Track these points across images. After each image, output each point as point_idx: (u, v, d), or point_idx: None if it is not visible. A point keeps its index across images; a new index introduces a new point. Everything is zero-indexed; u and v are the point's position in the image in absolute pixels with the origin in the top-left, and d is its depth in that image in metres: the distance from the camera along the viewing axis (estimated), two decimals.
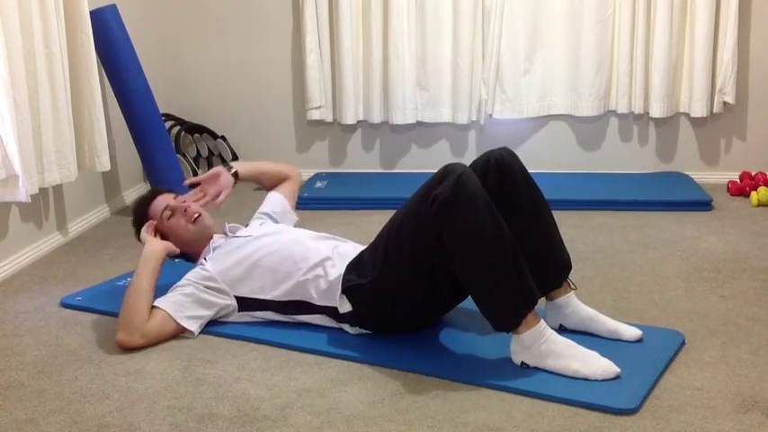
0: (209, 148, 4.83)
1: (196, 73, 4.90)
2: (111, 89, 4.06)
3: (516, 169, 2.53)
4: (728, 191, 4.34)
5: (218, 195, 2.95)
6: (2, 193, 3.21)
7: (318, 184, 4.49)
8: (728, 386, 2.28)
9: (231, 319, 2.72)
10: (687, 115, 4.59)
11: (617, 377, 2.27)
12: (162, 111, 4.32)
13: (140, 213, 2.93)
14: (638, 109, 4.55)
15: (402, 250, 2.46)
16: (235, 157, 4.83)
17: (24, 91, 3.22)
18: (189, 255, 2.90)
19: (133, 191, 4.48)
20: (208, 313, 2.68)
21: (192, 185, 3.00)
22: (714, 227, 3.79)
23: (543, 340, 2.32)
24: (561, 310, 2.58)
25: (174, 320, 2.62)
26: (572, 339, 2.37)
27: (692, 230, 3.73)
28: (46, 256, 3.56)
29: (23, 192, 3.21)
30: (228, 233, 2.88)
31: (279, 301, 2.67)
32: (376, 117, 4.70)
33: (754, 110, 4.56)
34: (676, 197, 4.20)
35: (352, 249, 2.70)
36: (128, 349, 2.56)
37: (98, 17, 3.81)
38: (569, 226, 3.45)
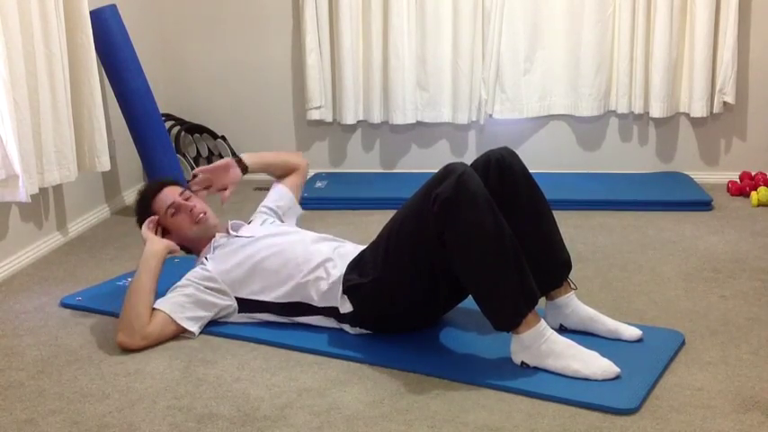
0: (209, 148, 4.83)
1: (196, 73, 4.90)
2: (111, 89, 4.06)
3: (517, 169, 2.53)
4: (728, 191, 4.34)
5: (224, 188, 2.93)
6: (2, 193, 3.21)
7: (318, 184, 4.49)
8: (728, 386, 2.28)
9: (231, 319, 2.72)
10: (687, 115, 4.59)
11: (617, 377, 2.27)
12: (162, 111, 4.32)
13: (144, 206, 2.88)
14: (638, 109, 4.55)
15: (403, 249, 2.46)
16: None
17: (24, 91, 3.22)
18: (189, 249, 2.89)
19: (133, 191, 4.48)
20: (208, 314, 2.68)
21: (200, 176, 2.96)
22: (714, 227, 3.79)
23: (543, 340, 2.32)
24: (561, 309, 2.58)
25: (175, 322, 2.61)
26: (572, 339, 2.37)
27: (692, 230, 3.73)
28: (46, 256, 3.56)
29: (23, 192, 3.21)
30: (231, 231, 2.86)
31: (279, 303, 2.67)
32: (376, 117, 4.70)
33: (754, 110, 4.56)
34: (676, 197, 4.20)
35: (353, 250, 2.70)
36: (128, 350, 2.56)
37: (98, 17, 3.81)
38: (569, 226, 3.45)
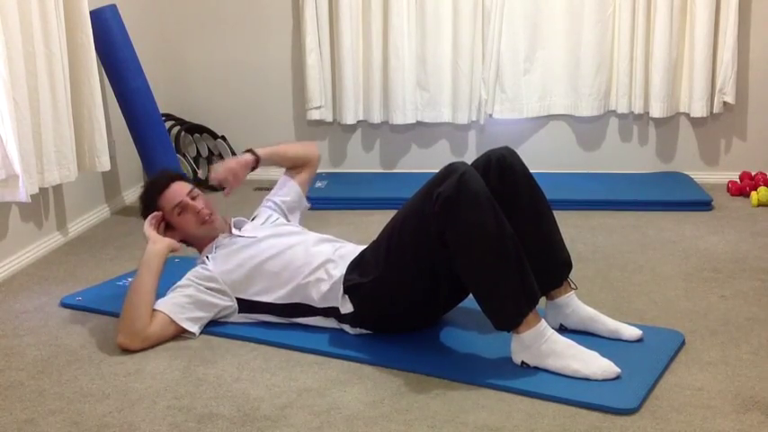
0: (209, 148, 4.83)
1: (196, 73, 4.90)
2: (111, 89, 4.06)
3: (518, 168, 2.53)
4: (728, 191, 4.34)
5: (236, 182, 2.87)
6: (2, 193, 3.21)
7: (318, 184, 4.49)
8: (728, 386, 2.28)
9: (231, 319, 2.72)
10: (687, 115, 4.59)
11: (617, 377, 2.27)
12: (162, 111, 4.32)
13: (150, 201, 2.83)
14: (638, 109, 4.55)
15: (404, 249, 2.46)
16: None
17: (24, 91, 3.22)
18: (190, 244, 2.88)
19: (133, 191, 4.48)
20: (208, 314, 2.68)
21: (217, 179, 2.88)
22: (714, 227, 3.79)
23: (544, 340, 2.32)
24: (561, 309, 2.58)
25: (175, 323, 2.61)
26: (572, 339, 2.37)
27: (692, 230, 3.73)
28: (46, 256, 3.56)
29: (23, 192, 3.21)
30: (233, 229, 2.84)
31: (279, 304, 2.66)
32: (376, 117, 4.70)
33: (754, 110, 4.56)
34: (676, 197, 4.20)
35: (354, 250, 2.69)
36: (128, 351, 2.56)
37: (98, 17, 3.81)
38: (569, 226, 3.45)
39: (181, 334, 2.63)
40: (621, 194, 4.27)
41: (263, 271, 2.67)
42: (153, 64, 4.47)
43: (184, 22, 4.85)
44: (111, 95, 4.08)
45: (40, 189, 3.42)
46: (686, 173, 4.61)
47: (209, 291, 2.67)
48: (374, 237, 2.62)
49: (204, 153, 4.81)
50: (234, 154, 4.82)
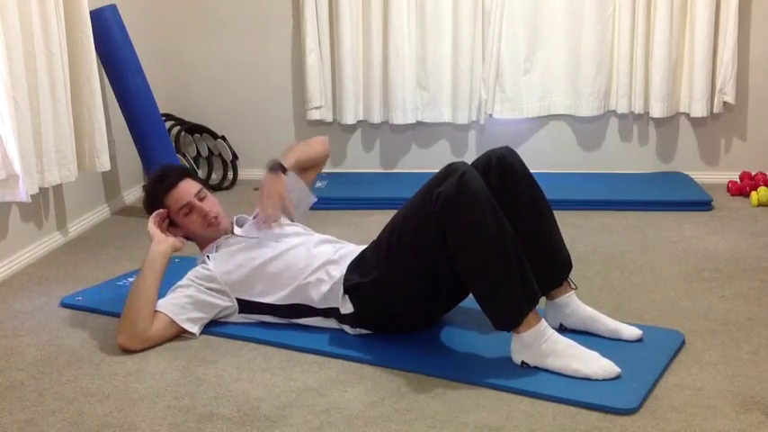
0: (209, 148, 4.83)
1: (196, 73, 4.90)
2: (111, 89, 4.06)
3: (518, 168, 2.53)
4: (728, 191, 4.34)
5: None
6: (2, 193, 3.21)
7: (318, 184, 4.49)
8: (728, 386, 2.28)
9: (231, 319, 2.72)
10: (687, 115, 4.59)
11: (617, 377, 2.27)
12: (162, 111, 4.32)
13: (157, 198, 2.78)
14: (638, 109, 4.55)
15: (404, 248, 2.46)
16: (235, 157, 4.83)
17: (24, 91, 3.22)
18: (192, 240, 2.85)
19: (133, 191, 4.49)
20: (209, 315, 2.68)
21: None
22: (714, 227, 3.79)
23: (544, 340, 2.32)
24: (561, 309, 2.58)
25: (176, 324, 2.61)
26: (572, 339, 2.37)
27: (692, 230, 3.73)
28: (46, 256, 3.56)
29: (23, 192, 3.21)
30: (236, 228, 2.82)
31: (279, 305, 2.66)
32: (376, 117, 4.70)
33: (754, 110, 4.56)
34: (676, 197, 4.20)
35: (354, 250, 2.69)
36: (128, 351, 2.56)
37: (98, 17, 3.81)
38: (569, 226, 3.45)
39: (181, 334, 2.63)
40: (621, 194, 4.27)
41: (264, 272, 2.66)
42: (153, 64, 4.47)
43: (184, 22, 4.85)
44: (111, 95, 4.08)
45: (40, 189, 3.42)
46: (686, 173, 4.61)
47: (209, 291, 2.67)
48: (374, 237, 2.63)
49: (204, 153, 4.81)
50: (234, 154, 4.82)
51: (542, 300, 2.43)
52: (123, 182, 4.40)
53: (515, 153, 2.56)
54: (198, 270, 2.71)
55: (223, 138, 4.83)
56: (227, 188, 4.75)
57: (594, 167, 4.70)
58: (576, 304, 2.57)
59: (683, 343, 2.54)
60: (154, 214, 2.75)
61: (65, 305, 2.98)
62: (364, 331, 2.61)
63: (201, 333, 2.66)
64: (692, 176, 4.54)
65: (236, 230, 2.81)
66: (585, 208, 4.07)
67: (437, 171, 2.42)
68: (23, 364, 2.52)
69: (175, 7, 4.83)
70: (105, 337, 2.68)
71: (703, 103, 4.46)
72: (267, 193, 2.72)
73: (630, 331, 2.52)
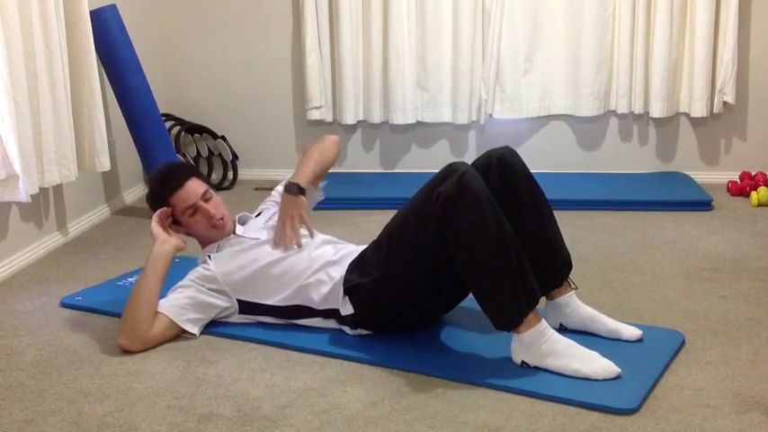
0: (209, 148, 4.83)
1: (196, 73, 4.90)
2: (111, 89, 4.06)
3: (518, 168, 2.53)
4: (728, 191, 4.34)
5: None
6: (2, 193, 3.21)
7: (319, 184, 4.49)
8: (728, 386, 2.28)
9: (231, 319, 2.72)
10: (687, 115, 4.59)
11: (617, 377, 2.27)
12: (162, 111, 4.31)
13: (162, 198, 2.74)
14: (638, 109, 4.55)
15: (405, 248, 2.46)
16: (235, 157, 4.83)
17: (24, 91, 3.22)
18: (194, 236, 2.83)
19: (133, 191, 4.49)
20: (209, 315, 2.68)
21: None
22: (714, 227, 3.79)
23: (544, 340, 2.32)
24: (561, 309, 2.58)
25: (177, 325, 2.61)
26: (572, 339, 2.37)
27: (692, 230, 3.73)
28: (46, 256, 3.56)
29: (23, 192, 3.21)
30: (237, 227, 2.81)
31: (280, 306, 2.66)
32: (376, 117, 4.70)
33: (754, 110, 4.56)
34: (676, 197, 4.20)
35: (354, 251, 2.68)
36: (128, 352, 2.56)
37: (98, 17, 3.81)
38: (569, 226, 3.45)
39: (181, 334, 2.63)
40: (621, 194, 4.26)
41: (265, 274, 2.66)
42: (153, 64, 4.47)
43: (184, 22, 4.84)
44: (111, 95, 4.07)
45: (40, 189, 3.42)
46: (686, 173, 4.61)
47: (210, 291, 2.67)
48: (374, 237, 2.62)
49: (204, 153, 4.81)
50: (234, 154, 4.82)
51: (542, 300, 2.43)
52: (123, 182, 4.40)
53: (515, 153, 2.56)
54: (199, 270, 2.71)
55: (223, 138, 4.82)
56: (227, 188, 4.75)
57: (594, 167, 4.70)
58: (576, 304, 2.57)
59: (683, 343, 2.54)
60: (158, 212, 2.73)
61: (65, 305, 2.98)
62: (364, 332, 2.60)
63: (201, 333, 2.66)
64: (692, 176, 4.54)
65: (239, 230, 2.80)
66: (585, 208, 4.07)
67: (437, 171, 2.42)
68: (23, 364, 2.52)
69: (175, 7, 4.82)
70: (105, 338, 2.68)
71: (703, 103, 4.46)
72: (288, 215, 2.70)
73: (630, 331, 2.52)
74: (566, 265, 2.57)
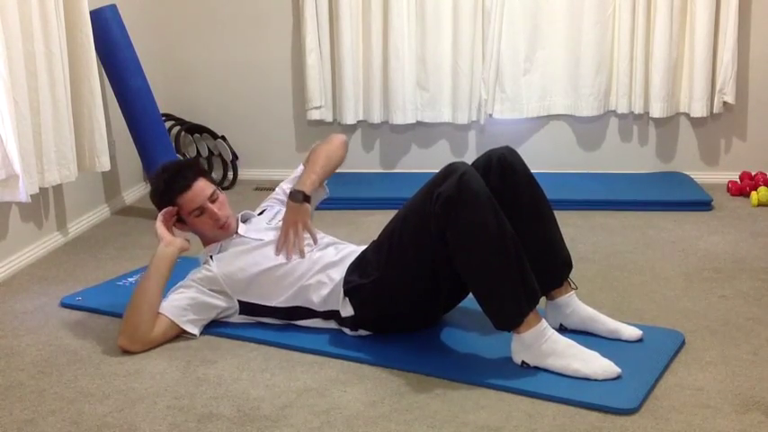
0: (209, 148, 4.83)
1: (196, 73, 4.90)
2: (111, 89, 4.06)
3: (518, 168, 2.53)
4: (728, 191, 4.34)
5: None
6: (2, 193, 3.20)
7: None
8: (728, 386, 2.28)
9: (231, 320, 2.72)
10: (687, 115, 4.59)
11: (618, 377, 2.27)
12: (162, 111, 4.31)
13: (169, 199, 2.71)
14: (638, 109, 4.55)
15: (405, 249, 2.46)
16: (235, 157, 4.83)
17: (24, 91, 3.22)
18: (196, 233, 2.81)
19: (133, 191, 4.49)
20: (209, 316, 2.68)
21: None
22: (714, 227, 3.79)
23: (544, 339, 2.32)
24: (562, 309, 2.58)
25: (177, 326, 2.61)
26: (572, 339, 2.37)
27: (692, 230, 3.73)
28: (46, 256, 3.56)
29: (23, 192, 3.21)
30: (240, 225, 2.79)
31: (280, 308, 2.66)
32: (376, 117, 4.70)
33: (754, 110, 4.56)
34: (676, 197, 4.20)
35: (355, 251, 2.68)
36: (129, 352, 2.56)
37: (98, 17, 3.81)
38: (569, 226, 3.45)
39: (182, 334, 2.63)
40: (621, 194, 4.26)
41: (266, 277, 2.65)
42: (153, 64, 4.46)
43: (184, 22, 4.84)
44: (111, 95, 4.07)
45: (40, 189, 3.42)
46: (686, 173, 4.61)
47: (211, 292, 2.66)
48: (374, 237, 2.63)
49: (204, 153, 4.81)
50: (234, 154, 4.82)
51: (542, 300, 2.43)
52: (123, 182, 4.40)
53: (516, 153, 2.56)
54: (200, 271, 2.70)
55: (223, 138, 4.82)
56: (228, 188, 4.75)
57: (594, 167, 4.70)
58: (576, 304, 2.57)
59: (683, 343, 2.54)
60: (163, 212, 2.71)
61: (65, 305, 2.98)
62: (364, 333, 2.60)
63: (201, 333, 2.66)
64: (692, 176, 4.54)
65: (241, 229, 2.78)
66: (585, 208, 4.07)
67: (437, 171, 2.42)
68: (23, 364, 2.52)
69: (175, 7, 4.82)
70: (105, 338, 2.68)
71: (703, 103, 4.46)
72: (292, 222, 2.69)
73: (630, 331, 2.52)
74: (566, 265, 2.57)
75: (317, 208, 2.95)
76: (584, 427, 2.09)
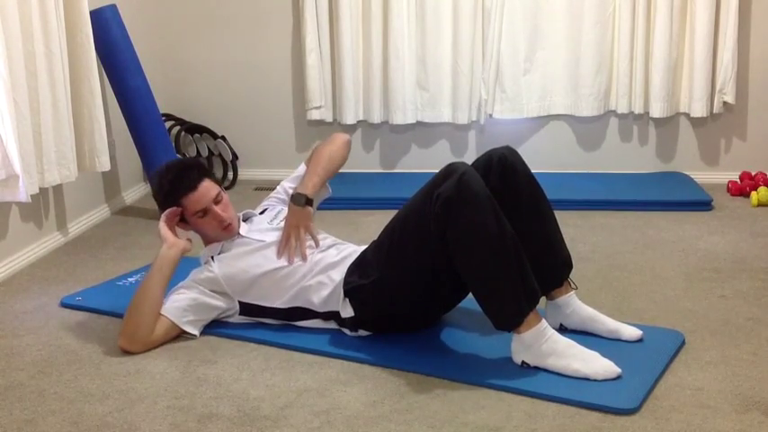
0: (209, 148, 4.83)
1: (196, 73, 4.90)
2: (111, 89, 4.06)
3: (519, 168, 2.53)
4: (728, 191, 4.34)
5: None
6: (2, 193, 3.21)
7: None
8: (728, 386, 2.28)
9: (231, 320, 2.72)
10: (687, 115, 4.59)
11: (618, 377, 2.27)
12: (162, 111, 4.31)
13: (174, 199, 2.69)
14: (638, 109, 4.55)
15: (405, 249, 2.46)
16: (235, 157, 4.83)
17: (24, 91, 3.22)
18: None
19: (133, 191, 4.49)
20: (210, 316, 2.68)
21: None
22: (714, 227, 3.79)
23: (545, 340, 2.32)
24: (562, 309, 2.58)
25: (178, 327, 2.61)
26: (572, 339, 2.37)
27: (692, 230, 3.73)
28: (46, 256, 3.56)
29: (23, 192, 3.21)
30: (241, 224, 2.78)
31: (281, 309, 2.66)
32: (376, 117, 4.70)
33: (754, 110, 4.56)
34: (676, 197, 4.20)
35: (355, 251, 2.68)
36: (129, 353, 2.56)
37: (98, 17, 3.81)
38: (569, 226, 3.45)
39: (182, 334, 2.63)
40: (621, 194, 4.26)
41: (268, 279, 2.65)
42: (153, 64, 4.46)
43: (184, 22, 4.84)
44: (111, 95, 4.07)
45: (40, 189, 3.42)
46: (686, 173, 4.61)
47: (211, 293, 2.66)
48: (374, 237, 2.63)
49: (204, 153, 4.81)
50: (234, 154, 4.82)
51: (542, 300, 2.43)
52: (123, 182, 4.40)
53: (516, 153, 2.56)
54: (201, 272, 2.70)
55: (223, 138, 4.82)
56: (228, 188, 4.74)
57: (594, 167, 4.70)
58: (576, 304, 2.57)
59: (683, 343, 2.54)
60: (167, 212, 2.69)
61: (65, 305, 2.98)
62: (364, 333, 2.60)
63: (202, 333, 2.66)
64: (692, 176, 4.54)
65: (243, 229, 2.77)
66: (585, 208, 4.07)
67: (437, 171, 2.42)
68: (23, 364, 2.52)
69: (175, 7, 4.82)
70: (105, 337, 2.68)
71: (703, 103, 4.46)
72: (294, 226, 2.68)
73: (630, 331, 2.52)
74: (566, 264, 2.57)
75: (319, 207, 2.95)
76: (584, 427, 2.09)
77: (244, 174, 4.86)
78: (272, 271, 2.65)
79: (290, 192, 2.86)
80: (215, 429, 2.13)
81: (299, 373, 2.42)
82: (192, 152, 4.75)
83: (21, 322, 2.86)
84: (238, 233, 2.76)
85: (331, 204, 4.17)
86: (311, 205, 2.72)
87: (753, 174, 4.39)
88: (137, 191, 4.52)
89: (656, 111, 4.50)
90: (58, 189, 3.72)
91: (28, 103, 3.25)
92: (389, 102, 4.64)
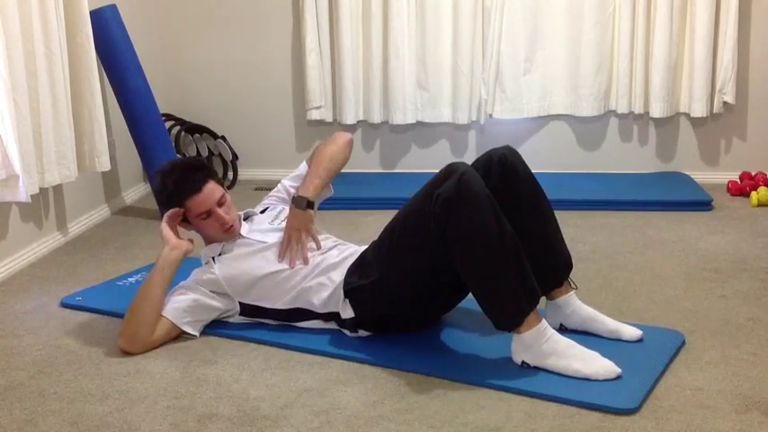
0: (209, 148, 4.83)
1: (196, 73, 4.90)
2: (111, 89, 4.06)
3: (519, 168, 2.53)
4: (728, 191, 4.34)
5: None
6: (2, 193, 3.21)
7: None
8: (728, 386, 2.28)
9: (232, 320, 2.72)
10: (687, 115, 4.59)
11: (618, 377, 2.27)
12: (162, 111, 4.31)
13: (178, 201, 2.67)
14: (638, 109, 4.55)
15: (405, 249, 2.46)
16: (235, 157, 4.83)
17: (24, 91, 3.22)
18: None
19: (133, 191, 4.49)
20: (210, 317, 2.68)
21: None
22: (714, 227, 3.79)
23: (545, 340, 2.32)
24: (562, 309, 2.58)
25: (178, 327, 2.61)
26: (572, 339, 2.37)
27: (692, 230, 3.73)
28: (46, 256, 3.56)
29: (23, 192, 3.21)
30: (243, 224, 2.77)
31: (281, 310, 2.66)
32: (376, 117, 4.70)
33: (754, 110, 4.56)
34: (676, 197, 4.20)
35: (356, 252, 2.68)
36: (129, 354, 2.56)
37: (98, 17, 3.81)
38: (569, 226, 3.45)
39: (182, 334, 2.63)
40: (621, 194, 4.26)
41: (269, 280, 2.65)
42: (153, 64, 4.47)
43: (184, 22, 4.84)
44: (111, 95, 4.07)
45: (40, 189, 3.42)
46: (686, 173, 4.61)
47: (212, 294, 2.66)
48: (374, 237, 2.62)
49: (204, 153, 4.81)
50: (234, 154, 4.82)
51: (542, 300, 2.43)
52: (123, 182, 4.40)
53: (517, 153, 2.56)
54: (202, 272, 2.69)
55: (223, 138, 4.82)
56: (228, 188, 4.73)
57: (594, 167, 4.70)
58: (576, 304, 2.57)
59: (683, 343, 2.54)
60: (169, 213, 2.68)
61: (65, 305, 2.98)
62: (364, 333, 2.60)
63: (202, 333, 2.66)
64: (692, 176, 4.54)
65: (244, 229, 2.76)
66: (585, 208, 4.07)
67: (437, 171, 2.42)
68: (23, 364, 2.52)
69: (175, 7, 4.82)
70: (105, 338, 2.68)
71: (703, 103, 4.46)
72: (295, 229, 2.67)
73: (631, 331, 2.52)
74: (566, 264, 2.57)
75: (319, 207, 2.95)
76: (584, 427, 2.09)
77: (244, 174, 4.87)
78: (273, 273, 2.64)
79: (291, 191, 2.87)
80: (215, 429, 2.13)
81: (299, 373, 2.42)
82: (192, 152, 4.75)
83: (21, 322, 2.86)
84: (239, 233, 2.76)
85: (331, 204, 4.17)
86: (312, 208, 2.72)
87: (753, 174, 4.39)
88: (137, 191, 4.52)
89: (656, 111, 4.50)
90: (58, 189, 3.72)
91: (28, 103, 3.25)
92: (389, 102, 4.64)
